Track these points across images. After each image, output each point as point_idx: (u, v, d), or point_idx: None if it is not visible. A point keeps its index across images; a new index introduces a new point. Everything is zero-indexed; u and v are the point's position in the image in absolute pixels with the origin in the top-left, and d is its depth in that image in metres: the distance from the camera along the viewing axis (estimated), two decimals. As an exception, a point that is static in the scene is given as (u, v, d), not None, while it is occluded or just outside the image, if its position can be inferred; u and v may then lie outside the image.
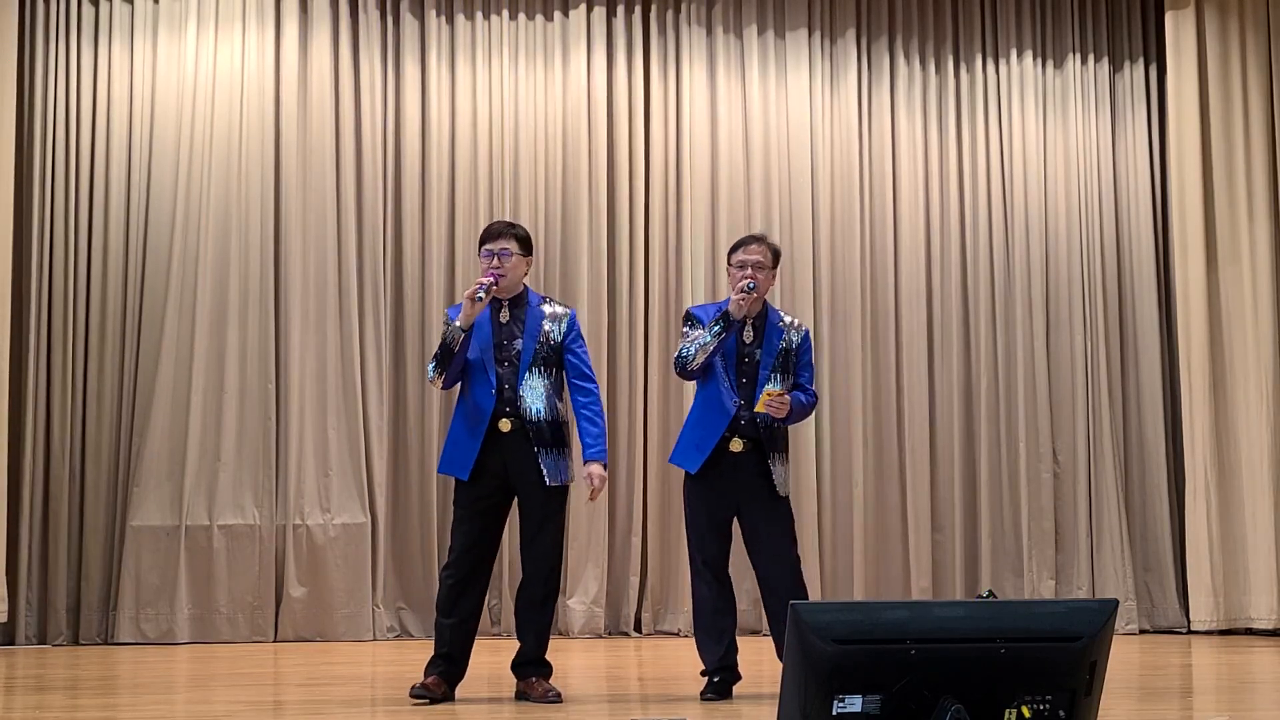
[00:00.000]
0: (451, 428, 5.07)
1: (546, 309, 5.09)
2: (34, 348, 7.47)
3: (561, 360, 5.06)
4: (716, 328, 4.99)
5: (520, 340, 4.98)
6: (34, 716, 4.65)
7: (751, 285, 5.00)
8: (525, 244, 5.09)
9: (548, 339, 5.02)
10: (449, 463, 5.00)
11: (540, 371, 4.98)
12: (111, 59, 7.73)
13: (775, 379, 5.08)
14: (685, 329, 5.17)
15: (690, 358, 5.02)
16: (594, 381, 5.13)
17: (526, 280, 5.17)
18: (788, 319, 5.23)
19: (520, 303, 5.06)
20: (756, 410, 5.00)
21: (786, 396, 5.00)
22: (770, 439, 5.08)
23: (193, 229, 7.64)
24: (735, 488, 5.05)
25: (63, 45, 7.70)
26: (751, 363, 5.09)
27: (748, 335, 5.11)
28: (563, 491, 5.01)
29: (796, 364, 5.16)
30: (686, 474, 5.12)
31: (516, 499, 5.02)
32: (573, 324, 5.12)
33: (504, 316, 5.01)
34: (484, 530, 4.97)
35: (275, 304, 7.71)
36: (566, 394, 5.15)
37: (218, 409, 7.54)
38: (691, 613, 5.20)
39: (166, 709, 4.90)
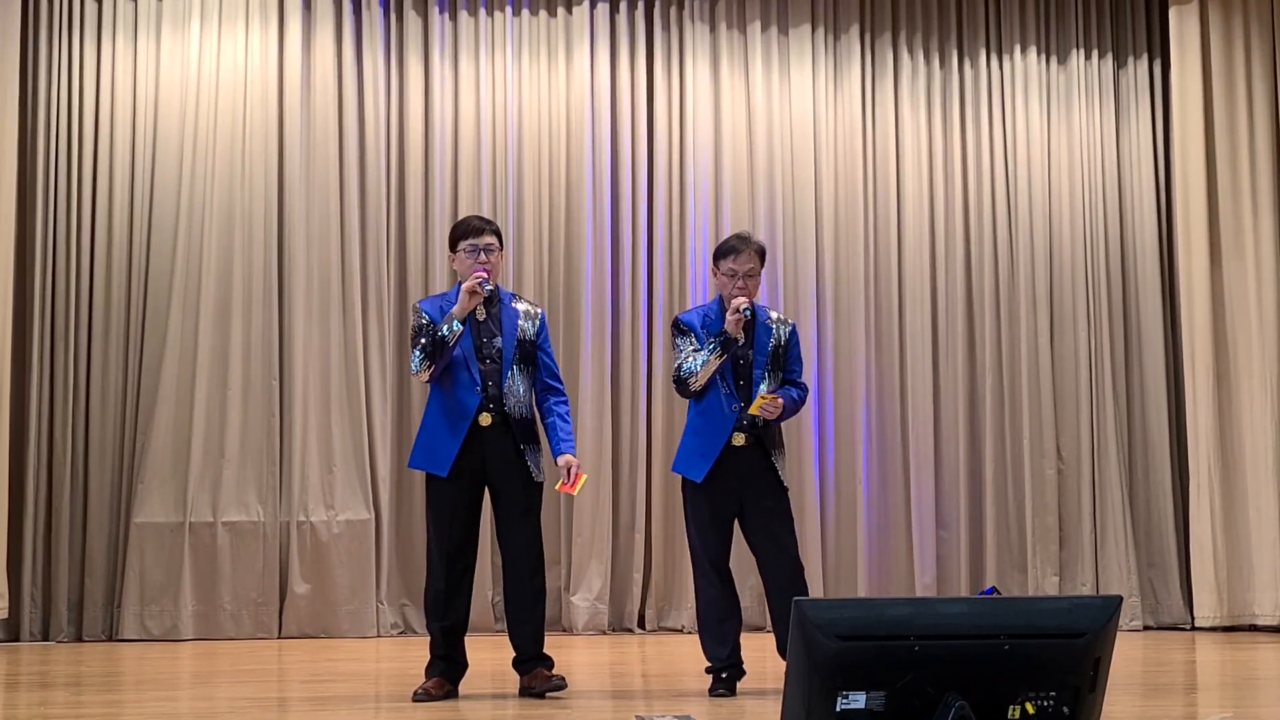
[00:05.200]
0: (426, 424, 5.05)
1: (519, 306, 5.10)
2: (38, 344, 7.48)
3: (534, 358, 5.06)
4: (714, 347, 4.98)
5: (500, 338, 4.99)
6: (38, 713, 4.65)
7: (748, 309, 4.99)
8: (502, 240, 5.12)
9: (524, 336, 5.03)
10: (427, 459, 4.99)
11: (520, 369, 5.00)
12: (115, 55, 7.72)
13: (768, 377, 5.09)
14: (676, 340, 5.14)
15: (692, 377, 5.01)
16: (562, 383, 5.17)
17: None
18: (774, 315, 5.24)
19: (494, 300, 5.04)
20: (750, 413, 5.01)
21: (779, 399, 5.01)
22: (768, 434, 5.10)
23: (196, 225, 7.64)
24: (739, 483, 5.06)
25: (66, 41, 7.69)
26: (746, 364, 5.10)
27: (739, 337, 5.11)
28: (542, 487, 5.04)
29: (785, 358, 5.18)
30: (687, 478, 5.12)
31: (490, 494, 5.02)
32: (543, 322, 5.14)
33: (480, 314, 4.99)
34: (466, 529, 4.97)
35: (279, 301, 7.72)
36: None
37: (222, 405, 7.55)
38: (696, 612, 5.21)
39: (170, 706, 4.90)
